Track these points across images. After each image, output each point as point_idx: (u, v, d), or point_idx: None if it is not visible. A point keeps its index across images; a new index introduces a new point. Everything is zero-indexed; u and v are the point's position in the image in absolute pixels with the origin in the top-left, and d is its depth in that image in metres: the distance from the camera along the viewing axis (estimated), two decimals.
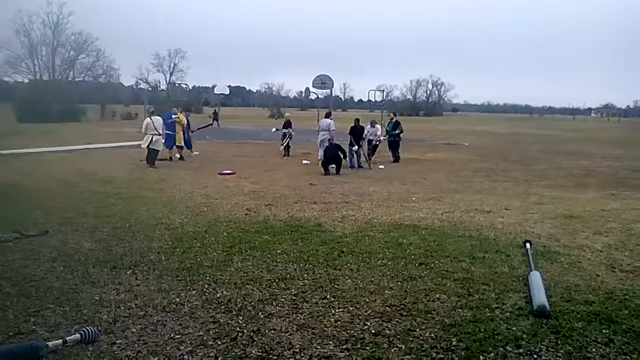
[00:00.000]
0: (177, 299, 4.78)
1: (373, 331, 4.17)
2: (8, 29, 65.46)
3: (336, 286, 5.19)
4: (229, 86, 58.53)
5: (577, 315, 4.50)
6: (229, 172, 13.97)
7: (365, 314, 4.52)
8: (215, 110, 43.61)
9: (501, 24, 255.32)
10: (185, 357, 3.73)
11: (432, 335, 4.10)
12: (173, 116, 17.22)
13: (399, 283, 5.29)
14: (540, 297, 4.68)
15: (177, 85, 75.05)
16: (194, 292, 4.98)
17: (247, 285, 5.16)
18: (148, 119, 15.78)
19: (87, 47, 60.38)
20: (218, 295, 4.89)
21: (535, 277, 5.18)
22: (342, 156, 15.02)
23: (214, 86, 59.78)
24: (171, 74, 79.71)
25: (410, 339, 4.02)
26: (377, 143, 17.51)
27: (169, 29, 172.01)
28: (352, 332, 4.15)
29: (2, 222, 7.36)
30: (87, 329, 3.89)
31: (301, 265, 5.84)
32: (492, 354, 3.79)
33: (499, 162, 18.84)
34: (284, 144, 19.56)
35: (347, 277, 5.45)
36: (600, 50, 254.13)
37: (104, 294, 4.86)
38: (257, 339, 3.99)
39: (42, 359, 3.60)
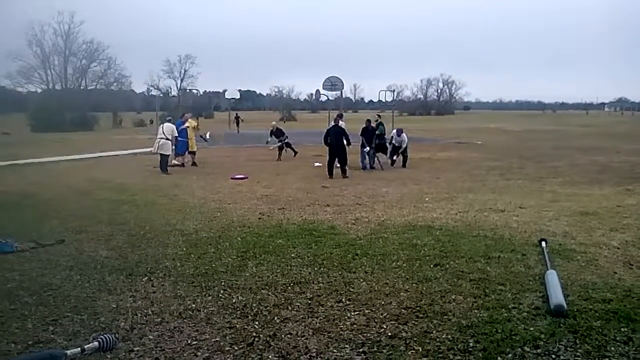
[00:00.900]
0: (193, 305, 4.80)
1: (389, 334, 4.15)
2: (21, 39, 66.49)
3: (351, 289, 5.18)
4: (239, 90, 58.75)
5: (595, 314, 4.46)
6: (242, 176, 14.02)
7: (381, 316, 4.51)
8: (236, 114, 43.83)
9: (512, 20, 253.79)
10: None
11: (449, 336, 4.08)
12: (181, 126, 17.19)
13: (414, 285, 5.28)
14: (557, 296, 4.65)
15: (188, 91, 75.63)
16: (210, 297, 5.00)
17: (262, 290, 5.17)
18: (161, 125, 16.39)
19: (99, 56, 61.11)
20: (234, 301, 4.90)
21: (552, 276, 5.14)
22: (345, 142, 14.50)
23: (224, 91, 60.09)
24: (182, 80, 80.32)
25: (427, 341, 4.00)
26: (402, 149, 17.03)
27: (179, 35, 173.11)
28: (368, 335, 4.14)
29: (19, 232, 7.45)
30: (105, 337, 3.92)
31: (316, 268, 5.84)
32: (509, 355, 3.76)
33: (513, 159, 18.71)
34: (279, 148, 19.73)
35: (362, 280, 5.44)
36: (613, 44, 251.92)
37: (120, 302, 4.90)
38: (273, 344, 4.00)
39: None
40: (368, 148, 16.33)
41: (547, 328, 4.19)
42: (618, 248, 6.58)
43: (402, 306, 4.72)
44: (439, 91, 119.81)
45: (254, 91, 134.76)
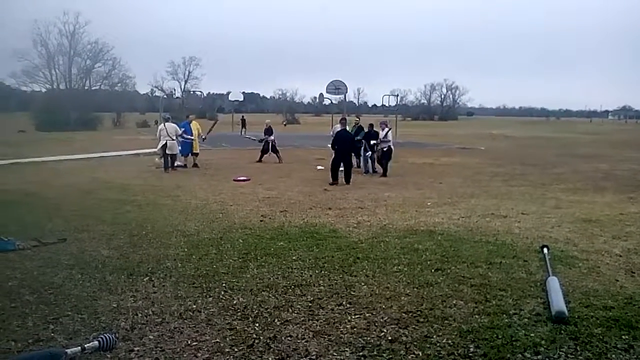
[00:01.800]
0: (194, 306, 4.80)
1: (389, 338, 4.15)
2: (26, 39, 66.67)
3: (352, 292, 5.18)
4: (243, 93, 58.79)
5: (596, 321, 4.45)
6: (244, 178, 14.02)
7: (381, 320, 4.50)
8: (242, 117, 43.90)
9: (516, 27, 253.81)
10: None
11: (449, 341, 4.07)
12: (186, 127, 17.25)
13: (415, 289, 5.27)
14: (558, 302, 4.64)
15: (192, 92, 75.77)
16: (211, 299, 5.00)
17: (263, 292, 5.17)
18: (162, 125, 16.37)
19: (103, 56, 61.20)
20: (234, 302, 4.90)
21: (553, 283, 5.13)
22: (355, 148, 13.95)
23: (228, 93, 60.15)
24: (186, 82, 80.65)
25: (427, 346, 4.00)
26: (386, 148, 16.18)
27: (183, 36, 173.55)
28: (368, 338, 4.14)
29: (21, 231, 7.46)
30: (105, 336, 3.92)
31: (317, 271, 5.84)
32: None
33: (516, 166, 18.69)
34: (262, 149, 19.63)
35: (363, 284, 5.44)
36: (617, 52, 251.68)
37: (121, 301, 4.90)
38: (273, 346, 4.00)
39: None
40: (370, 152, 16.32)
41: (548, 334, 4.19)
42: (620, 256, 6.57)
43: (402, 310, 4.72)
44: (443, 97, 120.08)
45: (257, 94, 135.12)
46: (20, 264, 6.01)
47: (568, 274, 5.75)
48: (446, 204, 10.35)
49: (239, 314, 4.64)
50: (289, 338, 4.15)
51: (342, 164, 13.87)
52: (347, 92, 34.97)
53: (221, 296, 5.07)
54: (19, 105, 58.22)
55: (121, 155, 21.54)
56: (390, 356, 3.84)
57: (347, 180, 13.69)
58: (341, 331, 4.28)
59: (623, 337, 4.15)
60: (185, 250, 6.72)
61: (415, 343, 4.05)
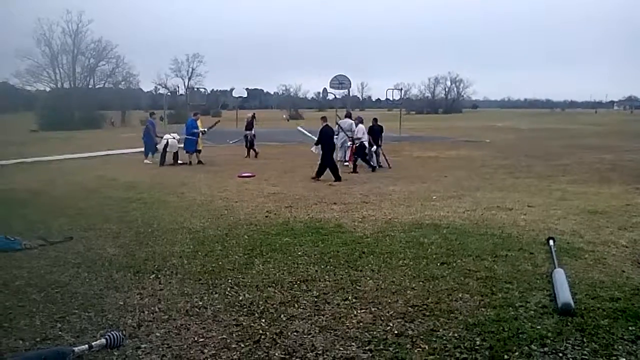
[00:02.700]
0: (200, 303, 4.82)
1: (396, 332, 4.15)
2: (29, 38, 66.80)
3: (358, 287, 5.18)
4: (246, 89, 58.75)
5: (602, 313, 4.44)
6: (249, 174, 14.04)
7: (387, 314, 4.50)
8: (253, 114, 44.01)
9: (519, 17, 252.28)
10: None
11: (456, 335, 4.07)
12: (193, 124, 17.44)
13: (420, 283, 5.27)
14: (564, 294, 4.63)
15: (195, 89, 75.76)
16: (217, 295, 5.01)
17: (268, 288, 5.18)
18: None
19: (107, 54, 61.18)
20: (240, 298, 4.92)
21: (559, 275, 5.12)
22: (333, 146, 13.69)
23: (231, 89, 60.16)
24: (189, 79, 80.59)
25: (433, 339, 4.00)
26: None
27: (186, 33, 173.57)
28: (374, 333, 4.14)
29: (27, 230, 7.50)
30: (112, 334, 3.94)
31: (322, 266, 5.84)
32: (516, 353, 3.75)
33: (521, 158, 18.63)
34: (247, 145, 19.81)
35: (368, 278, 5.44)
36: (622, 42, 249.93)
37: (128, 299, 4.92)
38: (279, 341, 4.01)
39: None
40: (375, 147, 16.30)
41: (555, 326, 4.18)
42: (626, 247, 6.54)
43: (408, 304, 4.72)
44: (447, 89, 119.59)
45: (261, 89, 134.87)
46: (27, 263, 6.04)
47: (574, 266, 5.74)
48: (451, 197, 10.33)
49: (245, 310, 4.65)
50: (295, 333, 4.16)
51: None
52: (350, 86, 34.93)
53: (227, 292, 5.08)
54: (24, 105, 58.38)
55: (126, 153, 21.57)
56: (397, 350, 3.84)
57: (336, 177, 13.21)
58: (347, 326, 4.28)
59: (630, 328, 4.14)
60: (191, 247, 6.73)
61: (421, 337, 4.05)
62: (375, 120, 17.26)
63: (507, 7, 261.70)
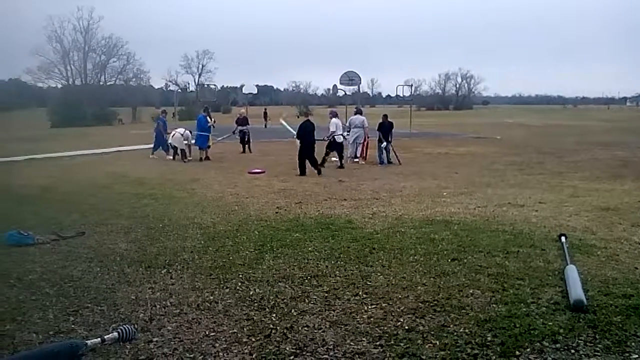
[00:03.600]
0: (211, 297, 4.84)
1: (406, 327, 4.14)
2: (41, 35, 67.30)
3: (368, 283, 5.18)
4: (256, 85, 58.77)
5: (615, 309, 4.40)
6: (259, 170, 14.06)
7: (398, 310, 4.50)
8: (265, 110, 44.64)
9: (531, 14, 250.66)
10: (221, 354, 3.76)
11: (467, 330, 4.06)
12: (204, 120, 17.68)
13: (431, 279, 5.26)
14: (576, 291, 4.59)
15: (205, 86, 75.97)
16: (228, 290, 5.03)
17: (279, 283, 5.19)
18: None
19: (118, 51, 61.68)
20: (251, 293, 4.93)
21: (572, 271, 5.08)
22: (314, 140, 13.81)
23: (242, 86, 60.19)
24: (200, 75, 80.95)
25: (444, 335, 3.99)
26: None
27: (196, 30, 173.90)
28: (385, 328, 4.13)
29: (40, 225, 7.56)
30: (124, 328, 3.95)
31: (333, 262, 5.84)
32: (528, 350, 3.73)
33: (532, 154, 18.52)
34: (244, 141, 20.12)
35: (379, 274, 5.43)
36: (636, 37, 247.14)
37: (139, 293, 4.95)
38: (290, 336, 4.02)
39: (81, 357, 3.67)
40: (385, 143, 16.29)
41: (567, 323, 4.15)
42: (639, 243, 6.49)
43: (419, 300, 4.71)
44: (458, 86, 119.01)
45: (271, 86, 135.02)
46: (40, 258, 6.09)
47: (586, 262, 5.70)
48: (462, 194, 10.30)
49: (256, 304, 4.66)
50: (305, 328, 4.16)
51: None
52: (360, 83, 34.75)
53: (238, 287, 5.10)
54: (36, 102, 58.84)
55: (137, 149, 21.67)
56: (407, 345, 3.83)
57: (319, 171, 13.61)
58: (358, 321, 4.28)
59: None
60: (202, 242, 6.76)
61: (432, 332, 4.04)
62: (385, 116, 17.22)
63: (519, 2, 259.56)
